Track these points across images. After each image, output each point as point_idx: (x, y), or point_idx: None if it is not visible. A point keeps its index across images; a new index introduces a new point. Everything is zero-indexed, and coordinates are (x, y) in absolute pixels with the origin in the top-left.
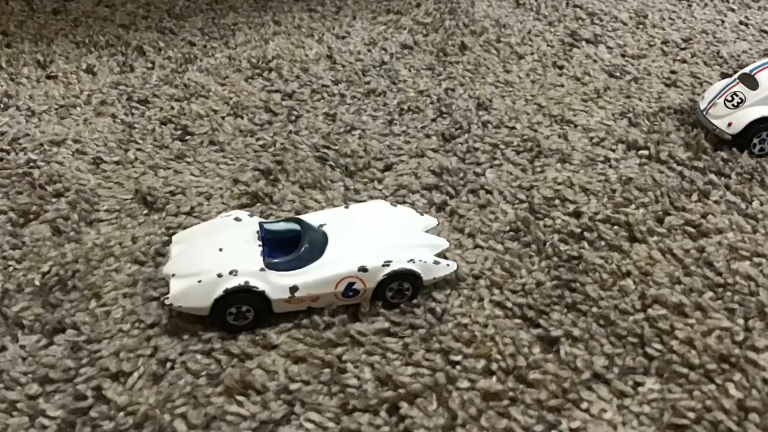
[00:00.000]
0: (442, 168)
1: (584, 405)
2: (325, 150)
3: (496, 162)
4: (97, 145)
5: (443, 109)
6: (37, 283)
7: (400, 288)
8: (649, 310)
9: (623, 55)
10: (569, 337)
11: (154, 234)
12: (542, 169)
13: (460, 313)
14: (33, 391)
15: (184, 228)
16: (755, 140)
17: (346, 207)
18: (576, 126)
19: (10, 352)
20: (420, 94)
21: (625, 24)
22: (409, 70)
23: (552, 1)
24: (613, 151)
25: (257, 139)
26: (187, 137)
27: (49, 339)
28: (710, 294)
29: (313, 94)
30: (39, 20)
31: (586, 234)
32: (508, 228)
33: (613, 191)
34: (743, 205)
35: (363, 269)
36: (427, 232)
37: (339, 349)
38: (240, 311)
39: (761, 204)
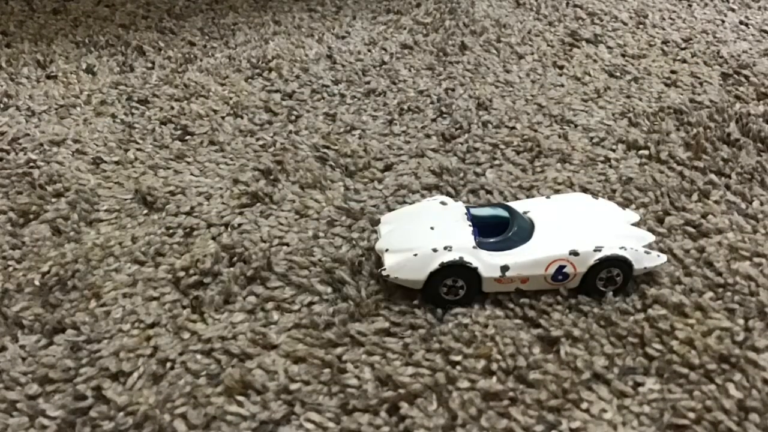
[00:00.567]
0: (442, 168)
1: (584, 405)
2: (325, 150)
3: (496, 162)
4: (97, 145)
5: (443, 109)
6: (36, 283)
7: (610, 275)
8: (650, 311)
9: (623, 55)
10: (569, 337)
11: (154, 234)
12: (542, 169)
13: (461, 313)
14: (33, 391)
15: (184, 228)
16: None
17: (548, 197)
18: (576, 126)
19: (10, 352)
20: (420, 94)
21: (625, 24)
22: (409, 70)
23: (552, 1)
24: (613, 151)
25: (257, 139)
26: (187, 137)
27: (49, 339)
28: (710, 294)
29: (313, 94)
30: (39, 20)
31: None
32: None
33: (613, 191)
34: (743, 205)
35: (574, 253)
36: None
37: (339, 349)
38: (452, 286)
39: (761, 204)
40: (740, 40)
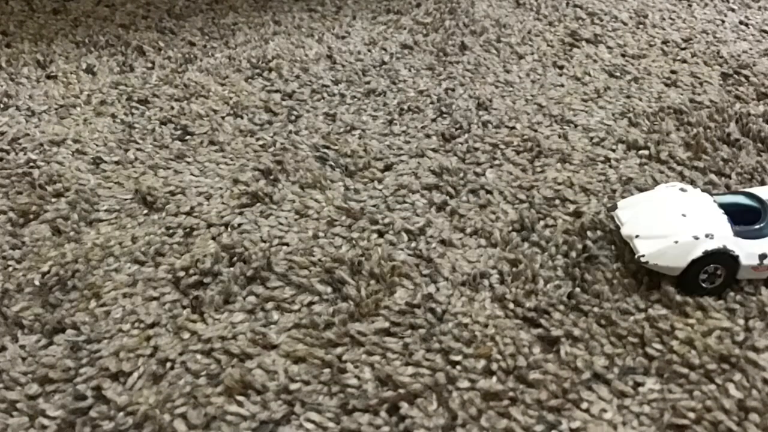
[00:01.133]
0: (442, 168)
1: (584, 405)
2: (325, 150)
3: (496, 162)
4: (97, 145)
5: (443, 109)
6: (37, 283)
7: None
8: (650, 310)
9: (623, 55)
10: (569, 337)
11: (154, 234)
12: (542, 169)
13: (461, 313)
14: (33, 391)
15: (184, 228)
16: None
17: None
18: (576, 126)
19: (9, 352)
20: (420, 94)
21: (625, 24)
22: (409, 70)
23: (552, 1)
24: (613, 151)
25: (257, 139)
26: (187, 137)
27: (49, 339)
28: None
29: (313, 94)
30: (39, 20)
31: (588, 233)
32: (509, 228)
33: (613, 191)
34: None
35: None
36: None
37: (339, 349)
38: (712, 273)
39: None
40: (740, 40)
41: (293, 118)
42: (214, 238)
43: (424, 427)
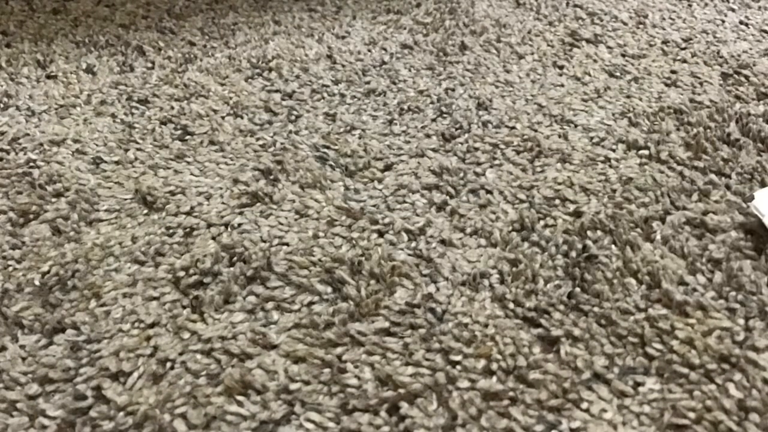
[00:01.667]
0: (442, 168)
1: (584, 405)
2: (325, 150)
3: (496, 162)
4: (96, 145)
5: (443, 108)
6: (37, 282)
7: None
8: (650, 310)
9: (623, 55)
10: (569, 337)
11: (154, 234)
12: (542, 168)
13: (461, 313)
14: (33, 391)
15: (184, 228)
16: None
17: None
18: (576, 126)
19: (9, 352)
20: (420, 94)
21: (625, 24)
22: (409, 70)
23: (552, 1)
24: (614, 150)
25: (257, 139)
26: (187, 137)
27: (49, 339)
28: (712, 293)
29: (313, 94)
30: (39, 20)
31: (588, 233)
32: (509, 228)
33: (613, 191)
34: (744, 205)
35: None
36: None
37: (339, 349)
38: None
39: None
40: (740, 40)
41: (293, 118)
42: (214, 238)
43: (424, 427)
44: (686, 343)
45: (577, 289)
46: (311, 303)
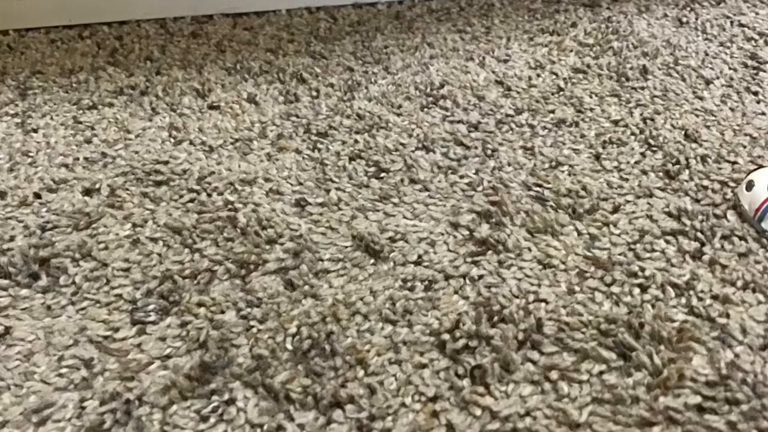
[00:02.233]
0: (680, 210)
1: None
2: (538, 188)
3: (731, 202)
4: (291, 185)
5: (651, 141)
6: (289, 347)
7: None
8: None
9: None
10: None
11: (392, 288)
12: None
13: None
14: None
15: (422, 280)
16: None
17: None
18: None
19: None
20: (615, 125)
21: None
22: (591, 97)
23: (716, 20)
24: None
25: (461, 177)
26: (383, 174)
27: (326, 416)
28: None
29: (499, 125)
30: (180, 44)
31: None
32: None
33: None
34: None
35: None
36: None
37: (655, 429)
38: None
39: None
40: None
41: (489, 152)
42: (457, 292)
43: None
44: None
45: None
46: (601, 372)
